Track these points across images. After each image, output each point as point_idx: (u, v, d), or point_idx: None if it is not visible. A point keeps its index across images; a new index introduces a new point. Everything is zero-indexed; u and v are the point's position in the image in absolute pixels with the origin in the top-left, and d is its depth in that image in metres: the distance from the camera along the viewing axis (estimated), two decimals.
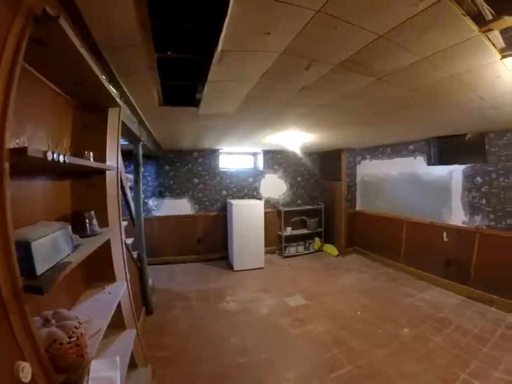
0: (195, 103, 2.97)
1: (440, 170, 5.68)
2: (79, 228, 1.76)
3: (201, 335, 3.97)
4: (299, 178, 8.57)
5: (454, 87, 2.56)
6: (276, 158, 8.17)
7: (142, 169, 4.36)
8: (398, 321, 4.29)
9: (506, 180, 4.55)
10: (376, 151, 7.34)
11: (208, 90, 2.56)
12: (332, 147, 7.42)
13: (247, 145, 6.94)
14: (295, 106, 3.25)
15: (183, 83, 2.59)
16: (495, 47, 1.82)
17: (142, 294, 4.34)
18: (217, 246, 7.51)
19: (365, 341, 3.82)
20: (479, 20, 1.56)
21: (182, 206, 7.31)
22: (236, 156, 8.21)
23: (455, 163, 5.41)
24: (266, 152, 8.00)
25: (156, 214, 7.08)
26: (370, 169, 7.63)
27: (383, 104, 3.18)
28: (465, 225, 5.20)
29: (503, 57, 1.92)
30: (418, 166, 6.15)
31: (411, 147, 6.31)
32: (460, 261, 5.24)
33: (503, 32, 1.71)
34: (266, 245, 7.19)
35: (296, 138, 5.41)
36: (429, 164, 5.97)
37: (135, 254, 4.20)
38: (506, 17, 1.52)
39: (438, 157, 5.94)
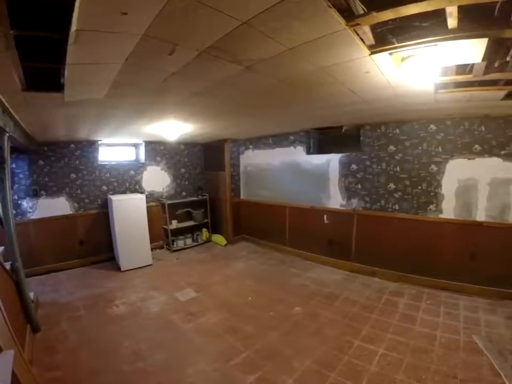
0: (60, 88, 2.61)
1: (319, 159, 6.17)
2: None
3: (93, 346, 3.61)
4: (183, 170, 8.39)
5: (325, 80, 2.64)
6: (158, 149, 7.82)
7: (8, 165, 3.74)
8: (288, 301, 4.54)
9: (379, 167, 5.21)
10: (259, 142, 7.59)
11: (70, 74, 2.26)
12: (214, 138, 7.42)
13: (127, 135, 6.47)
14: (167, 94, 3.08)
15: (45, 65, 2.22)
16: (364, 43, 1.89)
17: (24, 310, 3.73)
18: (102, 246, 6.85)
19: (259, 325, 3.94)
20: (348, 14, 1.57)
21: (60, 206, 6.40)
22: (117, 148, 7.52)
23: (332, 152, 5.91)
24: (148, 143, 7.57)
25: (32, 217, 6.07)
26: (253, 159, 7.89)
27: (256, 94, 3.18)
28: (343, 208, 5.77)
29: (372, 53, 2.01)
30: (298, 155, 6.57)
31: (291, 137, 6.69)
32: (341, 239, 5.81)
33: (373, 28, 1.76)
34: (152, 240, 6.90)
35: (175, 128, 5.19)
36: (308, 153, 6.42)
37: (8, 265, 3.62)
38: (374, 13, 1.55)
39: (317, 146, 6.42)
